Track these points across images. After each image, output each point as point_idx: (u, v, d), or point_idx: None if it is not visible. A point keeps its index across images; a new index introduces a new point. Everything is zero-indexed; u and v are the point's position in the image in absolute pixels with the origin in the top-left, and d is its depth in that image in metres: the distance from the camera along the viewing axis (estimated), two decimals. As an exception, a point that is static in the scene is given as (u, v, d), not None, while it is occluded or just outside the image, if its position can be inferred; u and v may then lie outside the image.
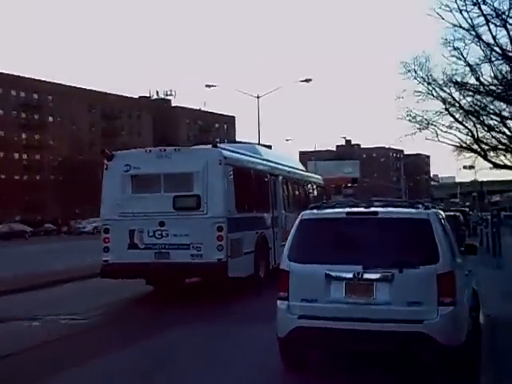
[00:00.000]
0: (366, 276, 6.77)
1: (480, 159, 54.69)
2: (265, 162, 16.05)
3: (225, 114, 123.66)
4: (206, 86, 42.19)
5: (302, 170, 20.77)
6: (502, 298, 12.65)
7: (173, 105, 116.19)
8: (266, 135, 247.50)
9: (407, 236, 6.94)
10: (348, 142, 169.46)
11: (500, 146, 52.95)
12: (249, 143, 19.25)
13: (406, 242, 6.92)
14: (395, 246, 6.89)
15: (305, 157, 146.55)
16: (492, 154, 54.55)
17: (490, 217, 24.64)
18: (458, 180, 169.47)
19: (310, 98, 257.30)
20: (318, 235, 7.24)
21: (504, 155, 54.53)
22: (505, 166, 55.07)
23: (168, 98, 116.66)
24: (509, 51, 36.74)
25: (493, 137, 52.42)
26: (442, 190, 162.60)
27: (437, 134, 52.92)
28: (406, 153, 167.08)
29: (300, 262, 7.11)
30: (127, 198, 13.20)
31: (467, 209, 64.93)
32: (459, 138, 53.66)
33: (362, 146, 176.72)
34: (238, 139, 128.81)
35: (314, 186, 21.02)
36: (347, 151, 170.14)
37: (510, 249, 21.48)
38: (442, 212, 8.22)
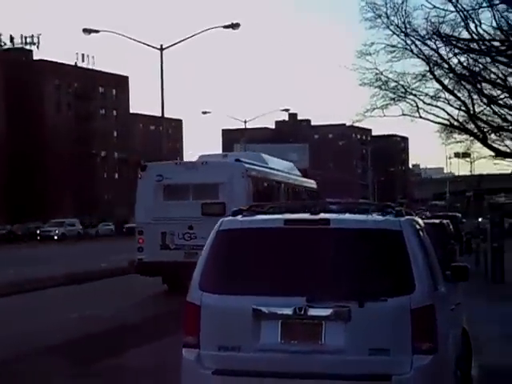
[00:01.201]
0: (312, 312, 6.83)
1: (477, 144, 56.60)
2: (272, 172, 25.02)
3: (113, 72, 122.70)
4: (85, 31, 41.67)
5: (298, 176, 29.86)
6: (504, 342, 13.09)
7: (35, 57, 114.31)
8: (174, 105, 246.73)
9: (371, 255, 7.06)
10: (292, 116, 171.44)
11: (505, 126, 54.81)
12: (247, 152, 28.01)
13: (368, 263, 7.04)
14: (353, 270, 7.00)
15: (231, 137, 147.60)
16: (494, 136, 56.46)
17: (489, 226, 25.35)
18: (447, 173, 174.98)
19: (238, 54, 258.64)
20: (244, 253, 7.28)
21: (511, 139, 56.64)
22: (511, 154, 57.20)
23: (28, 47, 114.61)
24: None
25: (495, 112, 54.03)
26: (425, 187, 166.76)
27: (418, 108, 54.08)
28: (375, 134, 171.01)
29: (216, 293, 7.14)
30: (160, 204, 21.27)
31: (459, 214, 66.95)
32: (449, 114, 54.93)
33: (312, 123, 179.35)
34: (133, 108, 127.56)
35: (309, 191, 29.63)
36: (291, 130, 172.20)
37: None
38: (419, 220, 8.42)
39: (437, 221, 28.80)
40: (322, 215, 7.45)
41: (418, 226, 7.75)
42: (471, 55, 46.98)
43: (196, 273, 7.37)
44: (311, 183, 31.96)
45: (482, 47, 46.00)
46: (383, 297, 6.78)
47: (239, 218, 7.59)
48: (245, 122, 77.43)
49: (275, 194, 24.27)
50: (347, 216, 7.67)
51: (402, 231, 7.08)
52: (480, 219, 46.29)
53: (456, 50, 46.81)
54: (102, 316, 17.76)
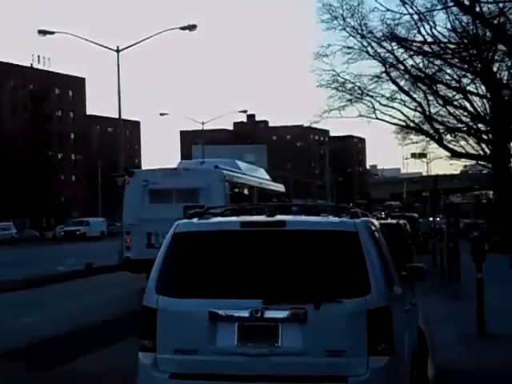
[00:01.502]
0: (269, 314, 6.82)
1: (434, 144, 57.14)
2: (246, 177, 27.21)
3: (70, 74, 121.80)
4: (40, 32, 41.30)
5: (268, 180, 32.37)
6: (460, 341, 13.22)
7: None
8: (132, 107, 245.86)
9: (326, 256, 7.06)
10: (250, 117, 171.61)
11: (460, 127, 55.44)
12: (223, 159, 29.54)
13: (324, 264, 7.04)
14: (309, 271, 7.00)
15: (189, 138, 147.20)
16: (449, 137, 57.14)
17: (445, 226, 25.62)
18: (404, 173, 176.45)
19: (196, 55, 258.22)
20: (200, 256, 7.25)
21: (465, 139, 57.34)
22: (467, 155, 57.87)
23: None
24: None
25: (450, 113, 54.79)
26: (382, 187, 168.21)
27: (374, 109, 54.83)
28: (332, 135, 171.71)
29: (173, 296, 7.09)
30: (145, 206, 23.16)
31: (416, 215, 67.55)
32: (405, 115, 55.76)
33: (270, 125, 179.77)
34: (90, 110, 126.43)
35: (278, 194, 32.19)
36: (249, 131, 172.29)
37: (474, 271, 22.43)
38: (375, 222, 8.46)
39: (393, 221, 28.95)
40: (278, 217, 7.46)
41: (373, 228, 7.78)
42: (426, 57, 47.48)
43: (152, 276, 7.31)
44: (280, 187, 34.95)
45: (437, 49, 46.49)
46: (339, 298, 6.79)
47: (195, 220, 7.57)
48: (202, 123, 77.44)
49: (249, 197, 26.62)
50: (303, 218, 7.70)
51: (357, 233, 7.10)
52: (436, 219, 46.68)
53: (411, 52, 47.25)
54: (58, 319, 17.60)
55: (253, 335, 6.88)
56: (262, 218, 7.54)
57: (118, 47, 41.74)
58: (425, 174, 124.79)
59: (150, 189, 23.55)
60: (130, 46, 42.41)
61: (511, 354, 9.03)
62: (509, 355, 10.40)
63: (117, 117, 43.00)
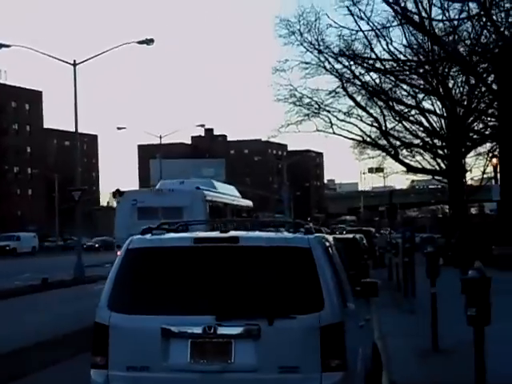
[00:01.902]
0: (222, 331, 6.83)
1: (390, 159, 57.59)
2: (221, 195, 29.98)
3: (26, 87, 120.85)
4: (-4, 45, 40.92)
5: (238, 197, 35.27)
6: (414, 356, 13.30)
7: None
8: (89, 121, 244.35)
9: (280, 272, 7.09)
10: (208, 131, 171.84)
11: (416, 142, 56.01)
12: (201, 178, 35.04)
13: (277, 280, 7.06)
14: (263, 287, 7.02)
15: (147, 152, 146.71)
16: (405, 152, 57.69)
17: (401, 240, 25.81)
18: (361, 188, 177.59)
19: (154, 69, 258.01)
20: (153, 272, 7.23)
21: (421, 154, 57.97)
22: (423, 170, 58.50)
23: None
24: (413, 13, 38.92)
25: (406, 129, 55.36)
26: (340, 202, 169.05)
27: (331, 124, 55.19)
28: (290, 149, 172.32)
29: (125, 313, 7.07)
30: (134, 223, 22.82)
31: (373, 229, 67.89)
32: (362, 130, 56.22)
33: (228, 139, 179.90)
34: (47, 123, 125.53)
35: (247, 209, 35.67)
36: (208, 145, 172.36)
37: (429, 285, 22.65)
38: (329, 237, 8.51)
39: (350, 236, 29.14)
40: (232, 233, 7.50)
41: (327, 243, 7.83)
42: (381, 73, 47.90)
43: (104, 292, 7.29)
44: (248, 202, 37.91)
45: (392, 65, 46.88)
46: (292, 314, 6.81)
47: (148, 236, 7.54)
48: (160, 137, 77.05)
49: (223, 213, 29.29)
50: (256, 234, 7.75)
51: (310, 248, 7.14)
52: (393, 234, 46.96)
53: (367, 68, 47.61)
54: (14, 335, 17.38)
55: (206, 352, 6.87)
56: (216, 233, 7.58)
57: (74, 61, 41.51)
58: (382, 188, 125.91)
59: (138, 207, 26.17)
60: (86, 60, 42.20)
61: (464, 368, 9.12)
62: (461, 370, 10.46)
63: (74, 130, 42.63)
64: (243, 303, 6.95)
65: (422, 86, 48.96)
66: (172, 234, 7.72)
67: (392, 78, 48.77)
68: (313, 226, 7.85)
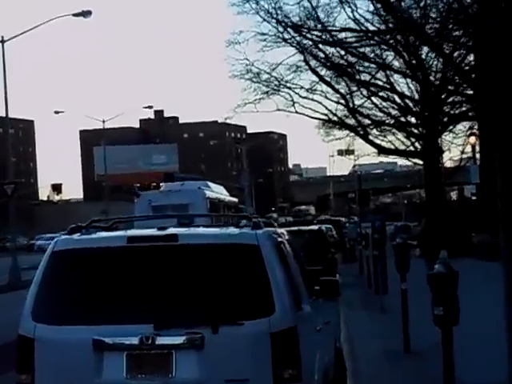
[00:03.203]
0: (161, 341, 6.79)
1: (360, 140, 57.64)
2: (215, 194, 37.21)
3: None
4: None
5: (227, 195, 42.77)
6: (384, 360, 13.39)
7: None
8: (23, 104, 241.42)
9: (224, 273, 7.06)
10: (158, 114, 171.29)
11: (387, 120, 56.09)
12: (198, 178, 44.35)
13: (222, 283, 7.04)
14: (206, 291, 7.00)
15: (90, 138, 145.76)
16: (376, 131, 57.78)
17: (371, 231, 25.87)
18: (330, 173, 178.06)
19: (94, 47, 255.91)
20: (82, 277, 7.18)
21: (393, 134, 58.08)
22: (396, 151, 58.63)
23: None
24: None
25: (376, 106, 55.31)
26: (307, 189, 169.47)
27: (293, 102, 55.06)
28: (250, 131, 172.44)
29: (52, 324, 7.01)
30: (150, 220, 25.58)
31: (343, 219, 68.14)
32: (327, 108, 56.12)
33: (181, 121, 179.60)
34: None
35: (234, 206, 43.66)
36: (158, 129, 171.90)
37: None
38: (281, 232, 8.48)
39: (315, 227, 29.18)
40: (170, 230, 7.44)
41: (278, 239, 7.82)
42: (347, 44, 47.83)
43: (28, 301, 7.22)
44: (235, 199, 46.10)
45: (358, 36, 46.83)
46: (239, 320, 6.79)
47: (76, 236, 7.46)
48: (103, 121, 76.51)
49: (218, 209, 36.17)
50: (198, 230, 7.71)
51: (258, 246, 7.10)
52: (363, 223, 47.07)
53: (331, 39, 47.52)
54: None
55: (144, 365, 6.85)
56: (152, 231, 7.51)
57: (2, 37, 41.01)
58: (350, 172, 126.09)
59: (152, 205, 32.53)
60: (16, 36, 41.74)
61: (437, 371, 9.18)
62: (434, 373, 10.53)
63: (4, 115, 42.19)
64: (184, 309, 6.92)
65: (394, 61, 49.09)
66: (103, 233, 7.65)
67: (360, 50, 48.74)
68: (262, 220, 7.83)
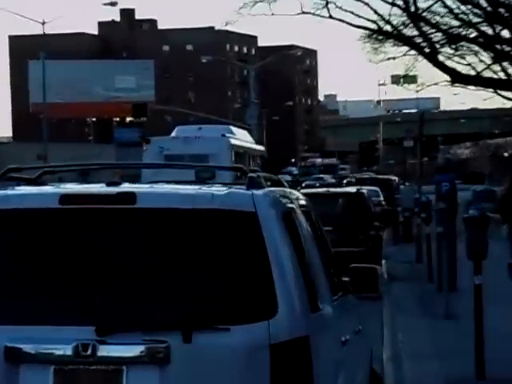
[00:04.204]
0: (106, 352, 6.81)
1: (425, 62, 57.63)
2: (240, 142, 43.05)
3: None
4: None
5: (252, 142, 49.08)
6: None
7: None
8: None
9: (204, 254, 7.07)
10: (126, 14, 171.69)
11: (467, 33, 56.07)
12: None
13: (199, 268, 7.04)
14: (175, 280, 7.02)
15: (26, 46, 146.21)
16: (449, 49, 57.69)
17: (435, 198, 25.76)
18: (379, 112, 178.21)
19: None
20: None
21: (475, 54, 58.08)
22: (478, 79, 58.67)
23: None
24: None
25: (450, 11, 55.33)
26: (345, 132, 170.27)
27: (327, 2, 55.10)
28: (262, 44, 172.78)
29: None
30: (161, 170, 31.41)
31: (396, 178, 68.29)
32: (376, 12, 56.11)
33: (160, 27, 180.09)
34: None
35: (261, 156, 49.33)
36: (126, 38, 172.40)
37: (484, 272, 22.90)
38: (295, 194, 8.48)
39: (352, 189, 29.27)
40: (125, 187, 7.46)
41: (288, 205, 7.79)
42: None
43: None
44: (261, 147, 53.22)
45: None
46: (223, 324, 6.78)
47: None
48: (43, 23, 76.63)
49: (244, 161, 40.35)
50: (166, 188, 7.67)
51: (255, 213, 7.08)
52: (424, 187, 47.15)
53: None
54: None
55: None
56: (99, 187, 7.55)
57: None
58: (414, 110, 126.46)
59: (165, 154, 37.50)
60: None
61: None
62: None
63: None
64: (142, 306, 6.93)
65: None
66: (24, 188, 7.69)
67: None
68: (263, 174, 7.79)
